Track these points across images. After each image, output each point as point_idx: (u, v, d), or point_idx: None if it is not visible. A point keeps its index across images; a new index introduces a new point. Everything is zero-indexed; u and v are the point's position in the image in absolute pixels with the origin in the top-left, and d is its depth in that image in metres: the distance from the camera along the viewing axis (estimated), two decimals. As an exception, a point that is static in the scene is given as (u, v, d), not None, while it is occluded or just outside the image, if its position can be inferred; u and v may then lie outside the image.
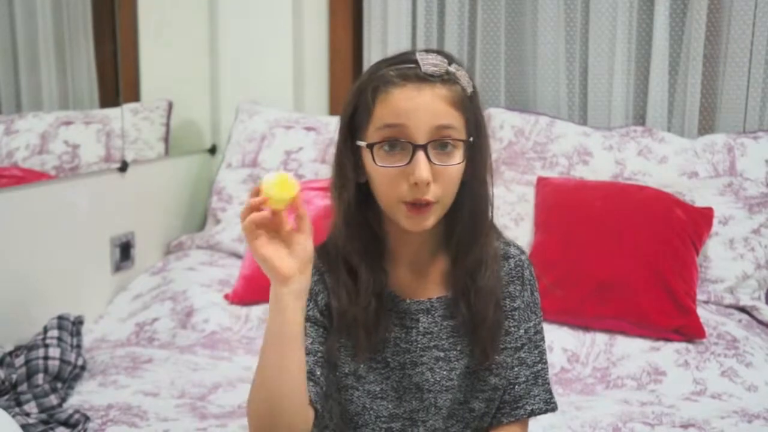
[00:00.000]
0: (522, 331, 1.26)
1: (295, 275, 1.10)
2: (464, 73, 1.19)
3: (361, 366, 1.23)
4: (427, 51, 1.20)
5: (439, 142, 1.15)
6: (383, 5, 2.76)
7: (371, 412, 1.24)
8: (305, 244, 1.12)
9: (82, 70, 2.35)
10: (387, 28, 2.75)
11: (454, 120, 1.16)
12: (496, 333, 1.23)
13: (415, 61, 1.16)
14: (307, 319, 1.21)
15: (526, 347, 1.27)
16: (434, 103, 1.15)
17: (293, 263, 1.10)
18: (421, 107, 1.14)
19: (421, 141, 1.14)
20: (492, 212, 1.25)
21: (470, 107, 1.18)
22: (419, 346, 1.24)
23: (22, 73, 2.16)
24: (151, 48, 2.55)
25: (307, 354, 1.18)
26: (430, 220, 1.17)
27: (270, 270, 1.10)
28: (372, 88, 1.17)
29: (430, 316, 1.25)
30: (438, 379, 1.24)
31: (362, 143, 1.18)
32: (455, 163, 1.16)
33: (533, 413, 1.27)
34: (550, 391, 1.29)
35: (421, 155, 1.13)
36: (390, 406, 1.24)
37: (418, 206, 1.16)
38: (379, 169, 1.16)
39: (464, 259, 1.22)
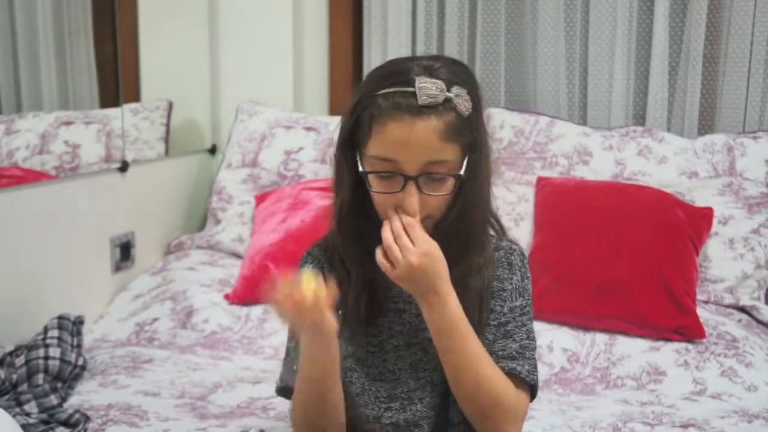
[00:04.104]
0: (507, 308, 1.28)
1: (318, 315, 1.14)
2: (464, 95, 1.18)
3: (359, 350, 1.29)
4: (428, 67, 1.19)
5: (436, 174, 1.18)
6: (383, 5, 2.76)
7: (371, 393, 1.28)
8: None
9: (82, 70, 2.35)
10: (387, 28, 2.75)
11: (447, 153, 1.18)
12: (480, 331, 1.25)
13: (413, 87, 1.16)
14: None
15: (512, 323, 1.28)
16: (427, 140, 1.16)
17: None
18: (413, 143, 1.16)
19: (413, 173, 1.17)
20: (486, 217, 1.28)
21: (468, 130, 1.19)
22: (414, 327, 1.28)
23: (22, 73, 2.16)
24: (151, 48, 2.55)
25: None
26: None
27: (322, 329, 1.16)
28: (369, 116, 1.19)
29: None
30: (431, 357, 1.27)
31: (360, 168, 1.22)
32: (445, 193, 1.20)
33: (513, 372, 1.25)
34: (535, 366, 1.28)
35: (411, 187, 1.18)
36: (388, 387, 1.28)
37: None
38: (374, 192, 1.21)
39: (455, 264, 1.24)
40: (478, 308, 1.25)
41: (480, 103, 1.23)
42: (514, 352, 1.25)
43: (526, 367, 1.26)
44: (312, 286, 1.13)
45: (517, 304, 1.28)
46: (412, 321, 1.28)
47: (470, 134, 1.20)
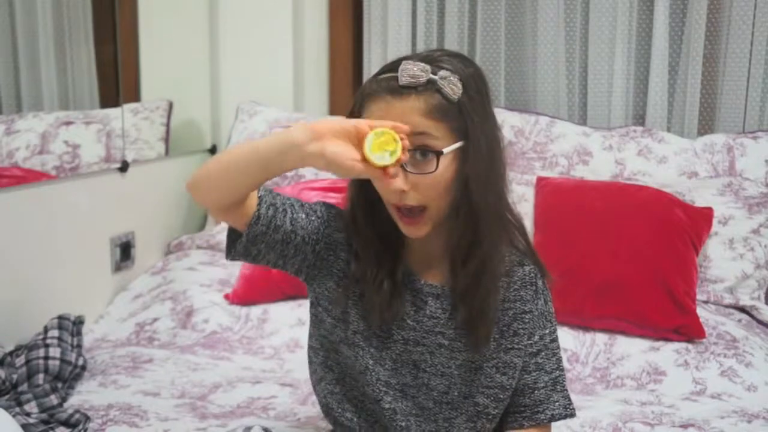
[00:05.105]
0: (537, 337, 1.30)
1: (323, 143, 1.12)
2: (453, 80, 1.17)
3: (367, 329, 1.27)
4: (426, 56, 1.20)
5: (418, 151, 1.17)
6: (383, 5, 2.76)
7: (373, 373, 1.28)
8: (352, 153, 1.13)
9: (82, 70, 2.35)
10: (387, 28, 2.75)
11: (431, 128, 1.17)
12: (488, 327, 1.25)
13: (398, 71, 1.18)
14: (314, 211, 1.27)
15: (543, 353, 1.30)
16: (405, 116, 1.16)
17: (329, 140, 1.13)
18: (392, 120, 1.16)
19: None
20: (499, 216, 1.26)
21: (456, 114, 1.18)
22: (425, 327, 1.27)
23: (22, 73, 2.16)
24: (151, 48, 2.55)
25: (295, 212, 1.25)
26: (424, 229, 1.22)
27: (315, 125, 1.13)
28: (359, 98, 1.22)
29: (438, 301, 1.28)
30: (436, 363, 1.28)
31: None
32: (429, 171, 1.17)
33: (554, 418, 1.30)
34: (568, 398, 1.33)
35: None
36: (385, 374, 1.28)
37: (410, 215, 1.20)
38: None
39: (464, 261, 1.23)
40: (485, 302, 1.24)
41: (482, 96, 1.21)
42: (545, 391, 1.29)
43: (560, 402, 1.30)
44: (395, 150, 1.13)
45: (546, 331, 1.32)
46: (425, 321, 1.27)
47: (460, 121, 1.18)
